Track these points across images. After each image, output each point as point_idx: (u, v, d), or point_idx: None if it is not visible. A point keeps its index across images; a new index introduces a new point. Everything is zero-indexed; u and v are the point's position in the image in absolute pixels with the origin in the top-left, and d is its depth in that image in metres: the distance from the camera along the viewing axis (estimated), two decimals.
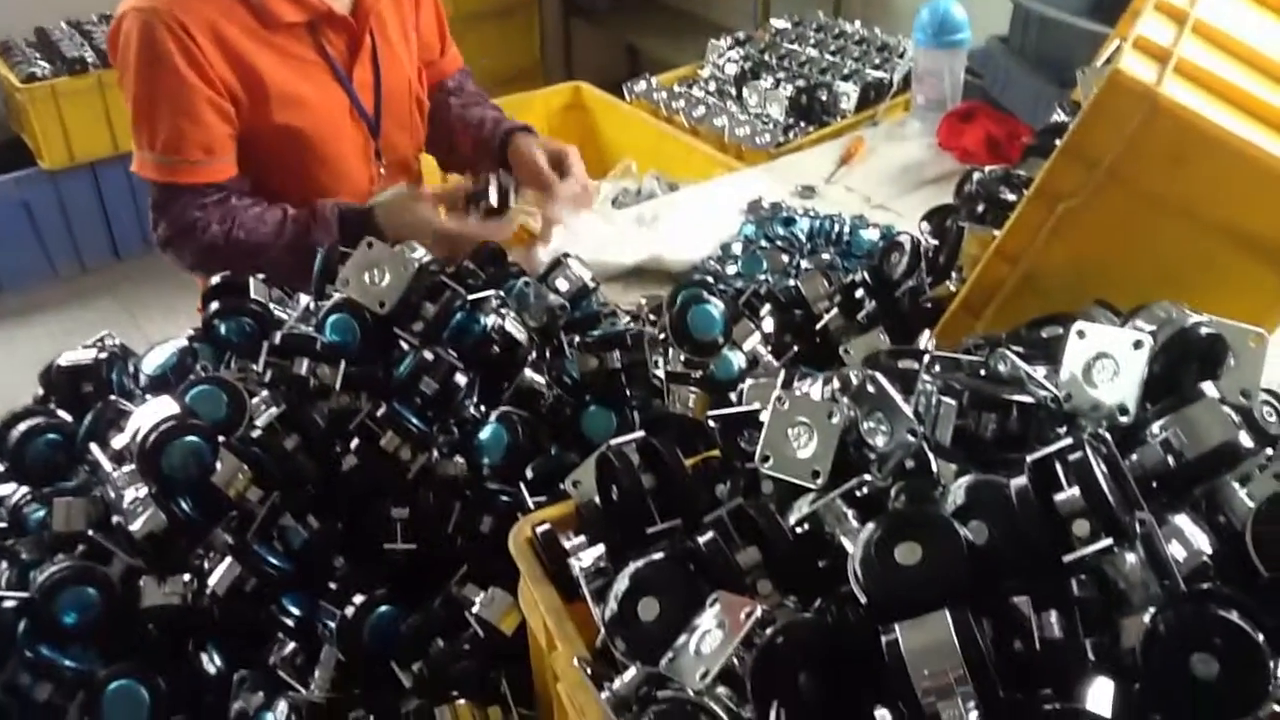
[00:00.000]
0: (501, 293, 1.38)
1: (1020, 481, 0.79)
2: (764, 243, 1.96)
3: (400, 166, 2.16)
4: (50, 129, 3.87)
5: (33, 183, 3.96)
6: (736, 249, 1.97)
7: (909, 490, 0.88)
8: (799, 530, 0.87)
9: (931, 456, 0.92)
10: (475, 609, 1.11)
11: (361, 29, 1.99)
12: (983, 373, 0.96)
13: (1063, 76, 2.23)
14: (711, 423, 1.04)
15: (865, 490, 0.88)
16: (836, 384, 1.01)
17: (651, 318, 1.65)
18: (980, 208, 1.58)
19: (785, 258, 1.88)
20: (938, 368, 0.94)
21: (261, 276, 1.40)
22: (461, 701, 1.05)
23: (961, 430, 0.87)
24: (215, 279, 1.36)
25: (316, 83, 1.95)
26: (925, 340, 1.19)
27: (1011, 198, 1.54)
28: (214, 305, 1.31)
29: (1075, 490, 0.77)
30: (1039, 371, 0.93)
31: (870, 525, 0.79)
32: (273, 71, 1.88)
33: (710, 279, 1.87)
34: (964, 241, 1.45)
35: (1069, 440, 0.80)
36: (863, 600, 0.77)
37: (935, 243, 1.51)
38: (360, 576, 1.16)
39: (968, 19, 2.40)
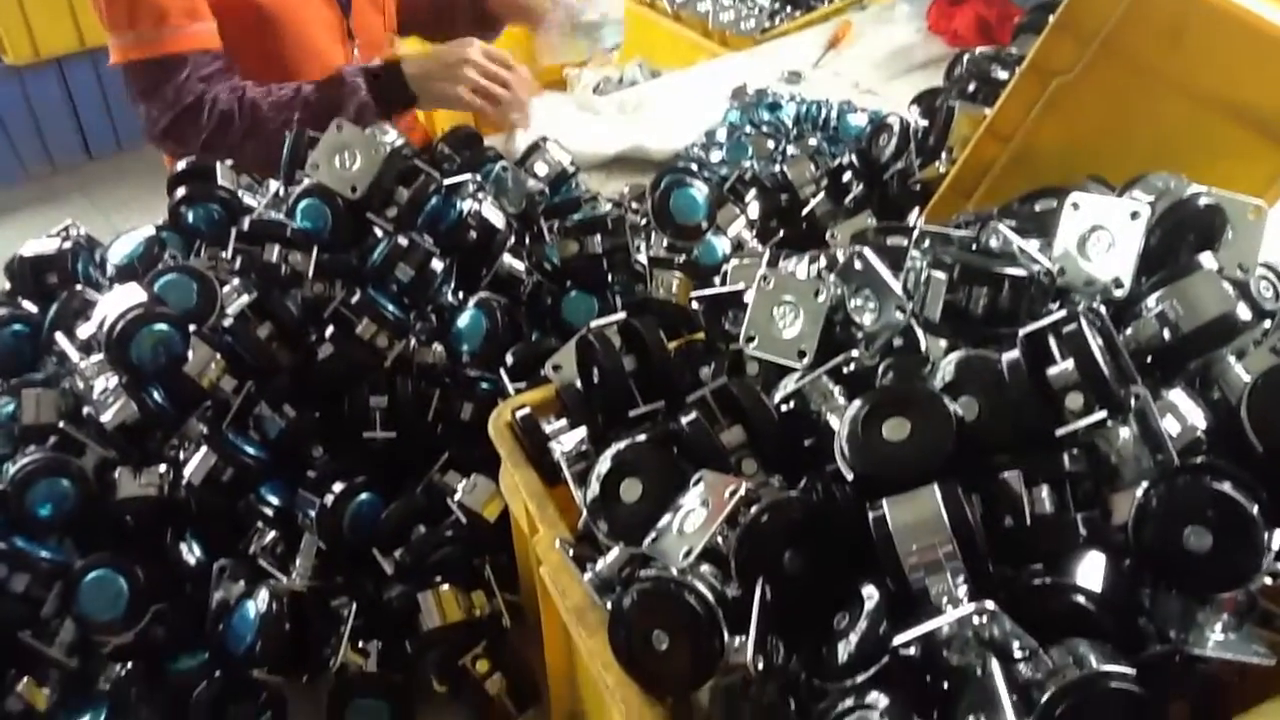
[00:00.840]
0: (478, 177, 1.34)
1: (1012, 355, 0.77)
2: (749, 129, 1.91)
3: (374, 48, 2.08)
4: (12, 23, 3.73)
5: None
6: (721, 136, 1.92)
7: (896, 367, 0.86)
8: (784, 409, 0.85)
9: (920, 334, 0.89)
10: (457, 496, 1.10)
11: None
12: (974, 247, 0.93)
13: None
14: (695, 304, 1.01)
15: (852, 367, 0.86)
16: (823, 262, 0.98)
17: (634, 206, 1.61)
18: (971, 87, 1.53)
19: (771, 144, 1.83)
20: (927, 243, 0.91)
21: (230, 163, 1.35)
22: (445, 587, 1.04)
23: (951, 305, 0.84)
24: (181, 164, 1.31)
25: None
26: (914, 218, 1.16)
27: (1003, 76, 1.50)
28: (180, 191, 1.26)
29: (1069, 363, 0.75)
30: (1032, 245, 0.90)
31: (857, 401, 0.77)
32: None
33: (694, 166, 1.83)
34: (954, 121, 1.40)
35: (1063, 313, 0.78)
36: (849, 477, 0.76)
37: (925, 124, 1.47)
38: (339, 465, 1.14)
39: None
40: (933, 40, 2.32)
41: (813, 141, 1.83)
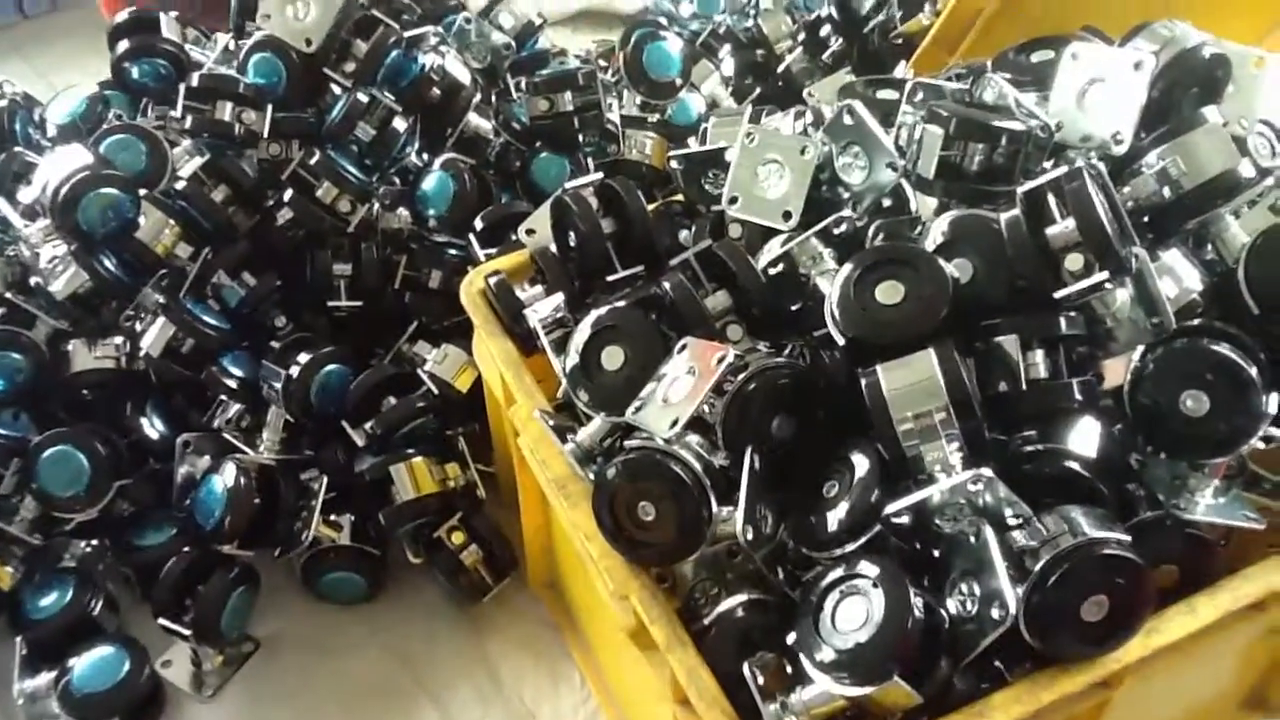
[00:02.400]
0: (440, 29, 1.26)
1: (1012, 213, 0.74)
2: None
3: None
4: None
5: None
6: None
7: (887, 228, 0.82)
8: (771, 272, 0.81)
9: (910, 193, 0.86)
10: (428, 366, 1.06)
11: None
12: (968, 101, 0.88)
13: None
14: (673, 164, 0.97)
15: (842, 229, 0.82)
16: (809, 118, 0.94)
17: (602, 64, 1.55)
18: None
19: None
20: (920, 96, 0.86)
21: (174, 14, 1.26)
22: (418, 459, 1.01)
23: (946, 161, 0.80)
24: (121, 14, 1.22)
25: None
26: (902, 70, 1.11)
27: None
28: (122, 45, 1.19)
29: (1070, 223, 0.72)
30: (1028, 98, 0.86)
31: (849, 264, 0.74)
32: None
33: (663, 20, 1.75)
34: None
35: (1064, 170, 0.74)
36: (841, 342, 0.73)
37: None
38: (304, 335, 1.10)
39: None
40: None
41: None
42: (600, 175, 0.92)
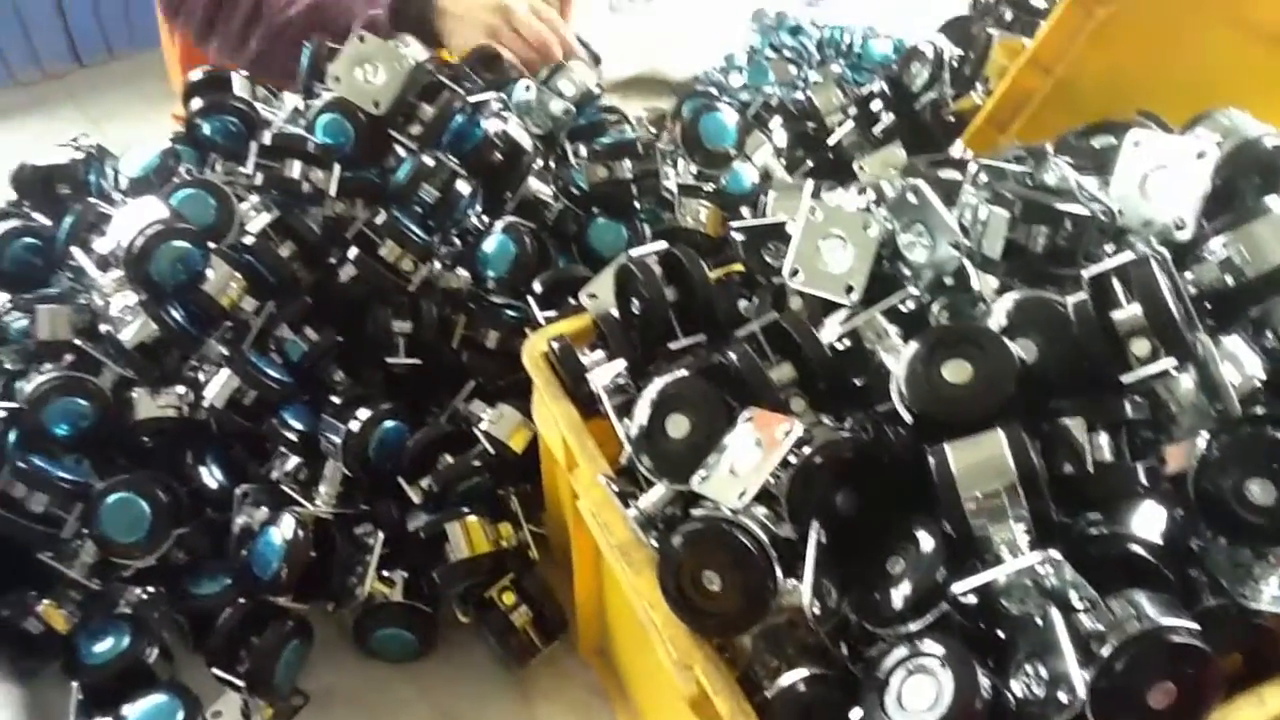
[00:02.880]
0: (503, 95, 1.29)
1: (1079, 297, 0.75)
2: (770, 53, 1.86)
3: None
4: None
5: None
6: (740, 59, 1.87)
7: (951, 306, 0.83)
8: (836, 346, 0.82)
9: (972, 270, 0.87)
10: (483, 425, 1.08)
11: None
12: (1030, 183, 0.90)
13: None
14: (735, 234, 0.99)
15: (908, 305, 0.83)
16: (871, 194, 0.95)
17: (652, 130, 1.58)
18: (1008, 15, 1.49)
19: (793, 69, 1.79)
20: (984, 177, 0.88)
21: (245, 74, 1.30)
22: (472, 517, 1.02)
23: (1011, 243, 0.82)
24: (196, 73, 1.26)
25: None
26: (958, 149, 1.12)
27: (1041, 3, 1.46)
28: (196, 102, 1.22)
29: (1136, 308, 0.73)
30: (1090, 182, 0.87)
31: (916, 341, 0.75)
32: None
33: (713, 90, 1.78)
34: (991, 51, 1.37)
35: (1130, 255, 0.75)
36: (908, 418, 0.74)
37: (959, 52, 1.42)
38: (362, 391, 1.11)
39: None
40: None
41: (836, 68, 1.78)
42: (663, 244, 0.94)
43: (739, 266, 1.02)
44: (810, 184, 1.04)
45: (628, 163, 1.22)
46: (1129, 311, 0.74)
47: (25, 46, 3.92)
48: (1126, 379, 0.73)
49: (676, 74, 1.88)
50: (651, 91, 1.86)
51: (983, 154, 1.06)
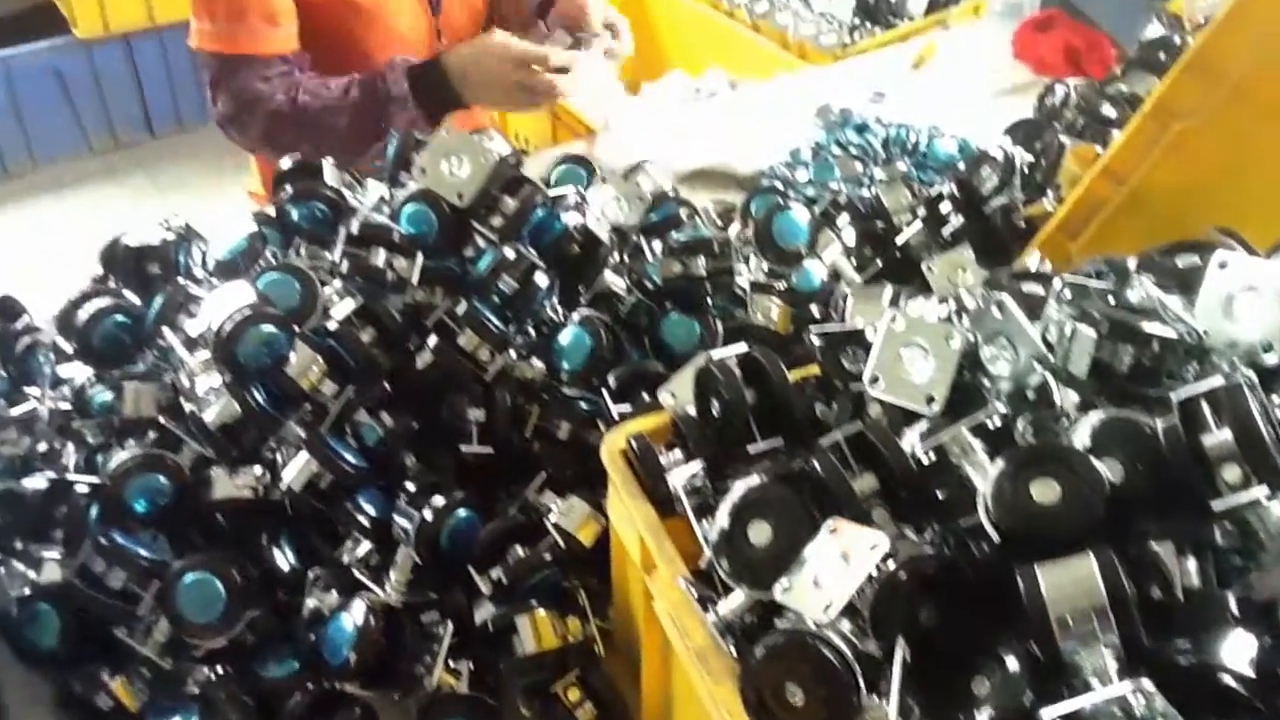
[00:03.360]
0: (580, 190, 1.32)
1: (1169, 420, 0.75)
2: (836, 150, 1.89)
3: None
4: None
5: (66, 51, 3.86)
6: (806, 155, 1.90)
7: (1036, 423, 0.84)
8: (922, 459, 0.83)
9: (1055, 387, 0.87)
10: (553, 517, 1.08)
11: None
12: (1113, 299, 0.90)
13: None
14: (814, 339, 0.99)
15: (995, 420, 0.83)
16: (952, 304, 0.96)
17: (719, 223, 1.60)
18: (1079, 121, 1.51)
19: (859, 166, 1.81)
20: (1069, 294, 0.88)
21: (330, 161, 1.34)
22: (542, 612, 1.03)
23: (1095, 361, 0.82)
24: (286, 161, 1.30)
25: None
26: (1034, 261, 1.13)
27: (1112, 113, 1.47)
28: (287, 190, 1.26)
29: (1227, 434, 0.73)
30: (1175, 302, 0.87)
31: (1003, 459, 0.75)
32: None
33: (779, 184, 1.81)
34: (1063, 158, 1.38)
35: (1221, 379, 0.75)
36: (995, 536, 0.74)
37: (1029, 157, 1.44)
38: (435, 478, 1.13)
39: None
40: (1018, 66, 2.29)
41: (901, 166, 1.80)
42: (743, 346, 0.95)
43: (814, 369, 1.03)
44: (889, 290, 1.05)
45: (702, 259, 1.24)
46: (1220, 437, 0.73)
47: (102, 116, 4.05)
48: (1217, 506, 0.72)
49: (744, 168, 1.91)
50: (719, 184, 1.89)
51: (1064, 267, 1.07)
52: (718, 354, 0.94)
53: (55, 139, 3.96)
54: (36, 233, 3.59)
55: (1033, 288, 0.95)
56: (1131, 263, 0.95)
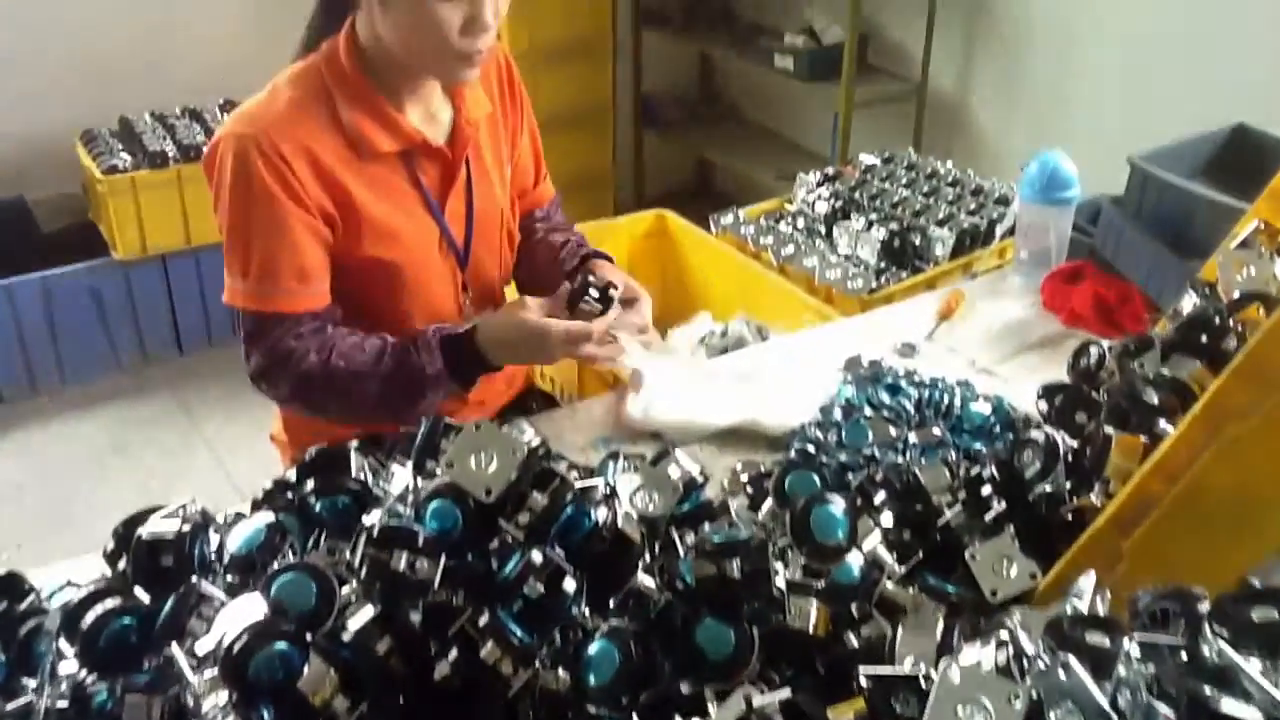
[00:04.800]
0: (610, 482, 1.28)
1: None
2: (868, 409, 1.86)
3: (486, 298, 2.10)
4: (126, 221, 3.87)
5: (104, 272, 3.96)
6: (837, 414, 1.87)
7: None
8: None
9: None
10: None
11: (457, 159, 1.94)
12: (1185, 656, 0.84)
13: (1180, 242, 2.14)
14: (864, 681, 0.93)
15: None
16: (1010, 651, 0.90)
17: (749, 490, 1.56)
18: (1120, 403, 1.48)
19: (893, 430, 1.77)
20: (1138, 652, 0.82)
21: (355, 444, 1.31)
22: None
23: None
24: (311, 452, 1.28)
25: (409, 214, 1.90)
26: (1089, 583, 1.07)
27: (1155, 399, 1.44)
28: (310, 484, 1.22)
29: None
30: (1253, 666, 0.81)
31: None
32: (366, 202, 1.83)
33: (810, 447, 1.77)
34: (1110, 450, 1.34)
35: None
36: None
37: (1074, 444, 1.40)
38: None
39: (1077, 175, 2.32)
40: (1049, 317, 2.29)
41: (936, 431, 1.77)
42: (787, 692, 0.89)
43: (861, 704, 0.96)
44: (940, 621, 0.99)
45: (737, 562, 1.19)
46: None
47: (134, 335, 4.11)
48: None
49: (773, 425, 1.88)
50: (747, 444, 1.85)
51: (1116, 566, 1.01)
52: (759, 702, 0.87)
53: (87, 358, 4.02)
54: (64, 454, 3.60)
55: (1098, 639, 0.89)
56: (1203, 606, 0.90)
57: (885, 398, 1.89)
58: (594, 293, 1.81)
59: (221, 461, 3.53)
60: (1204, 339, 1.48)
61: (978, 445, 1.75)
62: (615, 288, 1.83)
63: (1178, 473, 1.24)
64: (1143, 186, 2.18)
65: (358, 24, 1.82)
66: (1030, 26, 3.87)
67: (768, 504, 1.47)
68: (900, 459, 1.71)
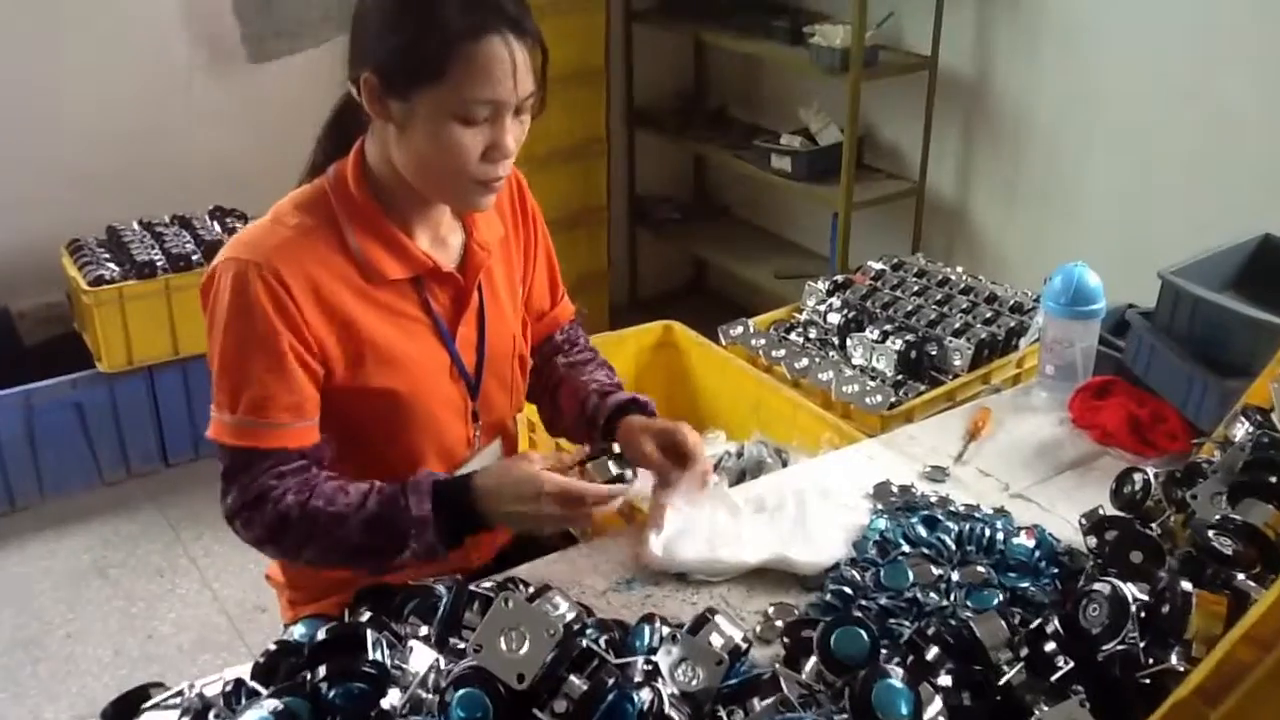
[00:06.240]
0: (649, 657, 1.17)
1: None
2: (904, 545, 1.75)
3: (496, 427, 2.00)
4: (113, 333, 3.76)
5: (88, 384, 3.84)
6: (872, 550, 1.76)
7: None
8: None
9: None
10: None
11: (469, 285, 1.86)
12: None
13: (1216, 359, 2.06)
14: None
15: None
16: None
17: (785, 640, 1.46)
18: (1192, 551, 1.38)
19: (934, 569, 1.66)
20: None
21: (370, 624, 1.20)
22: None
23: None
24: (323, 633, 1.16)
25: (418, 341, 1.81)
26: None
27: (1228, 549, 1.35)
28: (323, 667, 1.11)
29: None
30: None
31: None
32: (374, 330, 1.74)
33: (848, 590, 1.67)
34: (1191, 610, 1.24)
35: None
36: None
37: (1145, 598, 1.30)
38: None
39: (1102, 286, 2.25)
40: (1079, 435, 2.20)
41: (980, 569, 1.67)
42: None
43: None
44: None
45: None
46: None
47: (116, 447, 3.98)
48: None
49: (804, 562, 1.76)
50: (777, 584, 1.74)
51: None
52: None
53: (68, 471, 3.88)
54: (43, 576, 3.44)
55: None
56: None
57: (923, 532, 1.78)
58: (613, 467, 1.74)
59: (209, 583, 3.39)
60: (1273, 480, 1.39)
61: (1025, 584, 1.64)
62: (633, 473, 1.77)
63: (1271, 641, 1.13)
64: (1175, 302, 2.11)
65: (367, 147, 1.75)
66: (1030, 127, 3.86)
67: (811, 662, 1.37)
68: (944, 600, 1.61)
